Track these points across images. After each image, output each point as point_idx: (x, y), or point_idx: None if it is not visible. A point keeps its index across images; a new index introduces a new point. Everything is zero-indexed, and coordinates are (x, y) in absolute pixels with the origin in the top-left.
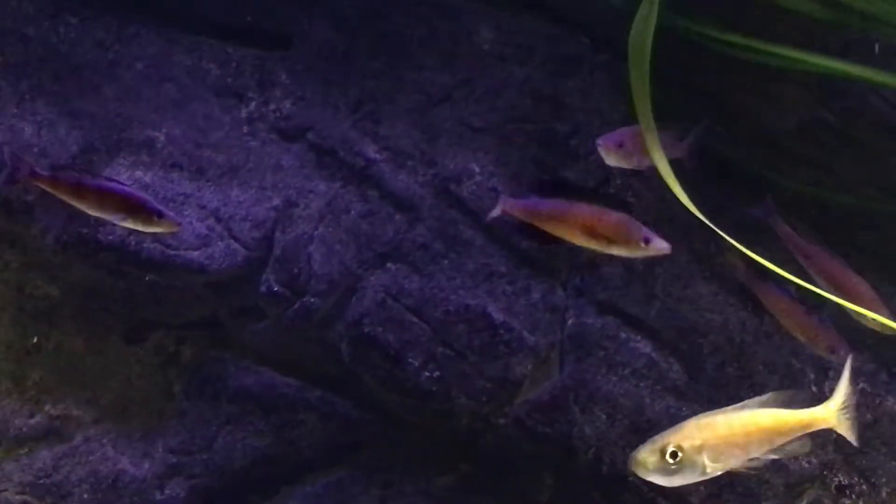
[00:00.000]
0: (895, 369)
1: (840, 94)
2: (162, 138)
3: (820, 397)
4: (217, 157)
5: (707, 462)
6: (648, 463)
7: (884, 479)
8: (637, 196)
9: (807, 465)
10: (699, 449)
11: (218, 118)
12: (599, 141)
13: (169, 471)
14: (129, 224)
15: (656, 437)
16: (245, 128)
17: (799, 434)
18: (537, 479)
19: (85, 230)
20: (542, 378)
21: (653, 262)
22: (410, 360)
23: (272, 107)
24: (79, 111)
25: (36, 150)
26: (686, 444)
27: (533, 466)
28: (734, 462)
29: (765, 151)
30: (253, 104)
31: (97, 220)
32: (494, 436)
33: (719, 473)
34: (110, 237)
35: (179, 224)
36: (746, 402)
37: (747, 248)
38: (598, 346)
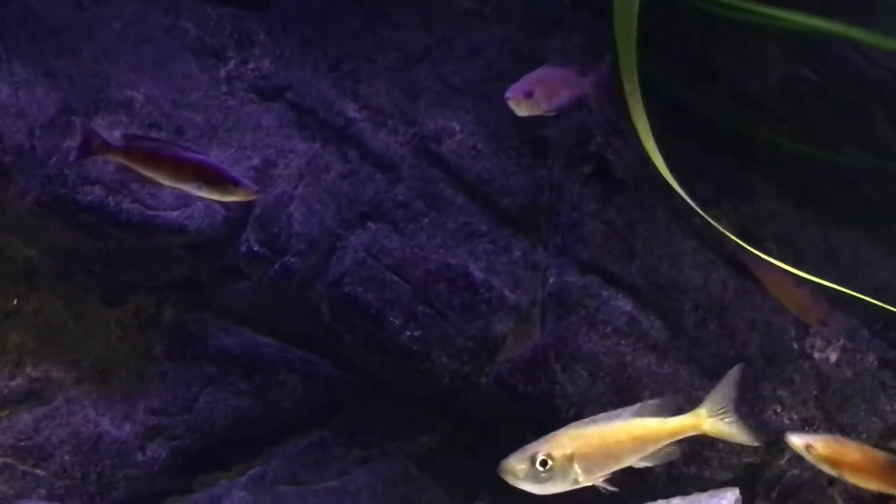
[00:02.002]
0: (876, 326)
1: (820, 52)
2: (140, 98)
3: (693, 404)
4: (196, 117)
5: (578, 471)
6: (518, 471)
7: (864, 435)
8: (617, 154)
9: (787, 422)
10: (570, 458)
11: (196, 77)
12: (508, 94)
13: (150, 432)
14: (205, 193)
15: (527, 447)
16: (224, 87)
17: (670, 441)
18: (519, 437)
19: (63, 191)
20: (524, 336)
21: (633, 220)
22: (391, 319)
23: (251, 66)
24: (56, 72)
25: (13, 110)
26: (557, 454)
27: (514, 425)
28: (607, 470)
29: (745, 109)
30: (231, 63)
31: (74, 180)
32: (476, 395)
33: (593, 483)
34: (89, 198)
35: (257, 192)
36: (619, 411)
37: (728, 205)
38: (580, 304)
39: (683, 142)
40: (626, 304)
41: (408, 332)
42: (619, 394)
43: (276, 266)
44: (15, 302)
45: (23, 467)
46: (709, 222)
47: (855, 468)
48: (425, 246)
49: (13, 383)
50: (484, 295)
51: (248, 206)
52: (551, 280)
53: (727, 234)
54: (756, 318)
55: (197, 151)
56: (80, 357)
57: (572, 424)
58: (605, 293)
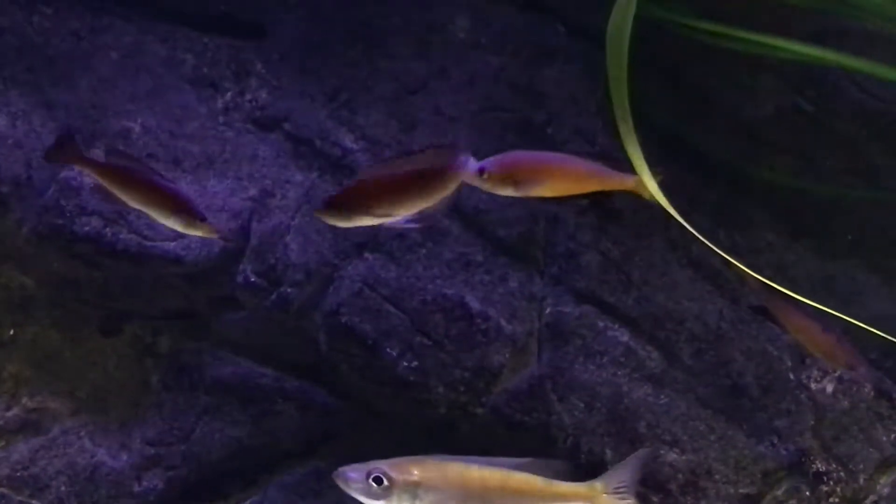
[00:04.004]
0: (873, 356)
1: (815, 82)
2: (137, 129)
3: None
4: (193, 148)
5: (423, 502)
6: (349, 481)
7: (861, 466)
8: None
9: (784, 452)
10: (415, 485)
11: (193, 108)
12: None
13: (146, 462)
14: (171, 223)
15: (378, 462)
16: (221, 118)
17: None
18: None
19: (60, 221)
20: (520, 367)
21: (629, 250)
22: (388, 349)
23: (248, 97)
24: (54, 102)
25: (10, 141)
26: (399, 477)
27: (511, 455)
28: None
29: (741, 139)
30: (229, 94)
31: (72, 210)
32: (472, 425)
33: None
34: (86, 228)
35: (219, 232)
36: (500, 459)
37: (725, 234)
38: (576, 334)
39: (679, 172)
40: (622, 335)
41: (404, 363)
42: (615, 424)
43: (273, 296)
44: (11, 331)
45: (19, 497)
46: (733, 263)
47: (534, 180)
48: (422, 276)
49: (9, 413)
50: (481, 325)
51: (245, 236)
52: (548, 310)
53: (751, 274)
54: (752, 349)
55: (171, 181)
56: (76, 387)
57: (447, 457)
58: (601, 323)
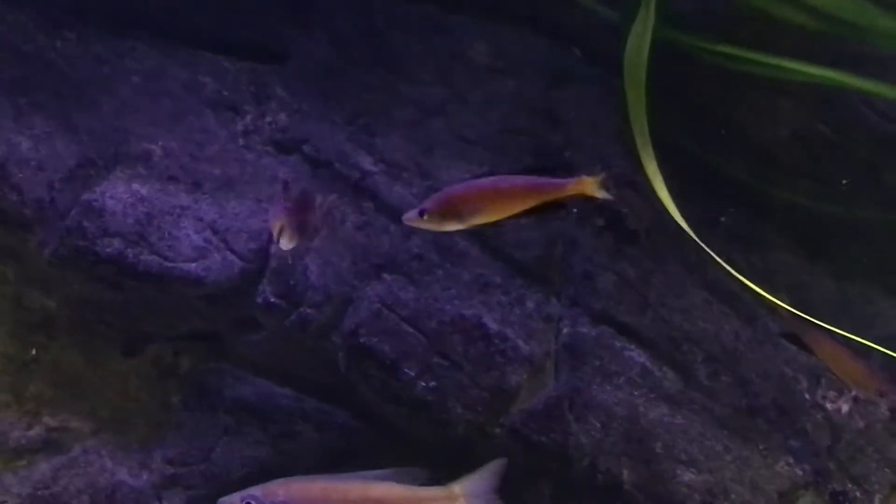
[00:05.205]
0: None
1: (832, 106)
2: (159, 151)
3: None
4: (213, 170)
5: None
6: None
7: (876, 486)
8: (630, 206)
9: (800, 473)
10: None
11: (214, 131)
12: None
13: (167, 482)
14: None
15: (250, 489)
16: (241, 140)
17: None
18: (533, 487)
19: (82, 243)
20: (538, 387)
21: (646, 271)
22: (406, 370)
23: (268, 119)
24: (76, 125)
25: (34, 163)
26: (266, 499)
27: (529, 475)
28: None
29: (758, 162)
30: (249, 117)
31: (94, 232)
32: (490, 445)
33: None
34: (108, 250)
35: None
36: (364, 472)
37: (741, 256)
38: (593, 355)
39: (696, 194)
40: (639, 355)
41: (423, 383)
42: (632, 444)
43: (293, 317)
44: (33, 352)
45: None
46: (752, 288)
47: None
48: (440, 297)
49: (31, 433)
50: (498, 346)
51: (265, 257)
52: (565, 331)
53: (781, 304)
54: (768, 369)
55: None
56: (97, 407)
57: (315, 476)
58: (618, 344)
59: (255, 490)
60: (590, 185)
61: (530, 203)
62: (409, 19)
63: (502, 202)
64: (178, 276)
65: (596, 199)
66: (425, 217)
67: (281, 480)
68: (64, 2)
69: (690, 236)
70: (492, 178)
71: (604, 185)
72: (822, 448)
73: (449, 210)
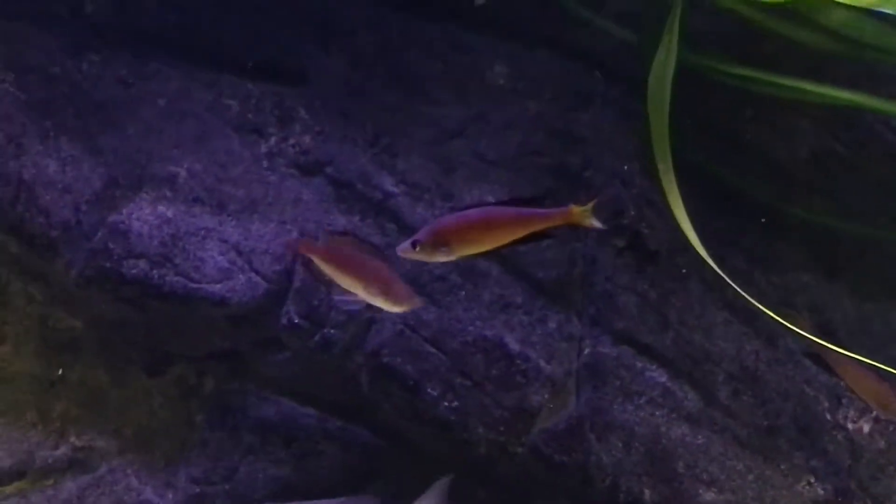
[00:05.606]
0: None
1: (849, 126)
2: (183, 173)
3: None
4: (237, 192)
5: None
6: None
7: None
8: (650, 226)
9: (822, 492)
10: None
11: (238, 153)
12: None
13: (192, 500)
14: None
15: None
16: (265, 162)
17: None
18: None
19: (108, 264)
20: (559, 407)
21: (667, 291)
22: (429, 390)
23: (291, 142)
24: (102, 147)
25: (60, 186)
26: None
27: (550, 495)
28: None
29: (777, 182)
30: (272, 139)
31: (119, 253)
32: (512, 464)
33: None
34: (133, 271)
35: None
36: (318, 501)
37: (760, 276)
38: (614, 375)
39: (716, 214)
40: (660, 375)
41: (445, 403)
42: (653, 464)
43: (316, 337)
44: (59, 372)
45: None
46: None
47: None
48: (462, 318)
49: (58, 452)
50: (520, 366)
51: (289, 278)
52: (586, 351)
53: (801, 332)
54: (789, 389)
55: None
56: (122, 426)
57: None
58: (639, 364)
59: None
60: (578, 215)
61: (519, 233)
62: (428, 39)
63: (492, 233)
64: (203, 298)
65: (588, 228)
66: (417, 248)
67: None
68: (89, 25)
69: (711, 256)
70: (481, 210)
71: (594, 213)
72: (843, 468)
73: (440, 241)
